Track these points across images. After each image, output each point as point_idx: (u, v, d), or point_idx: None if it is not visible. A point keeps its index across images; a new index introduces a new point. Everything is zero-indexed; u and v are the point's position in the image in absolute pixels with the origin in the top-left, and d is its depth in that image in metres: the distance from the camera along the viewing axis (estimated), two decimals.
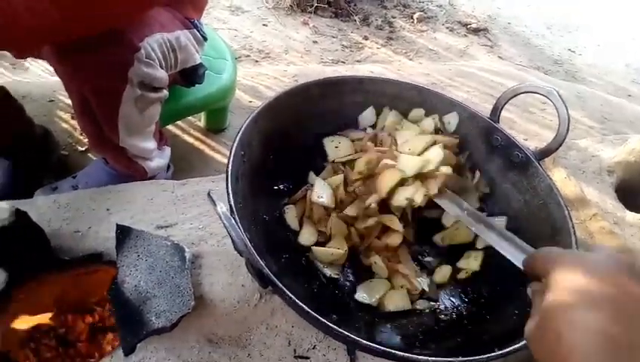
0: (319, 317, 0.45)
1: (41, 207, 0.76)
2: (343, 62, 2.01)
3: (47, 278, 0.65)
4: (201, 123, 1.33)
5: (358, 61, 2.03)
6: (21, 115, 0.99)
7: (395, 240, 0.67)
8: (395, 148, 0.70)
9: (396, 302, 0.63)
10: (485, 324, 0.60)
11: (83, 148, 1.17)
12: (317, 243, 0.66)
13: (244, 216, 0.54)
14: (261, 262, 0.47)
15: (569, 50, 2.52)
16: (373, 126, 0.78)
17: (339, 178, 0.70)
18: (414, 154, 0.68)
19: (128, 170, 0.91)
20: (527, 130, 1.51)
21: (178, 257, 0.66)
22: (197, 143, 1.29)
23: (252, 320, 0.66)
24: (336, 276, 0.64)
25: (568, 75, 2.29)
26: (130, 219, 0.76)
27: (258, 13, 2.21)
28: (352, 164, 0.71)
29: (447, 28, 2.45)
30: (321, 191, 0.68)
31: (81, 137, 1.19)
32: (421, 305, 0.64)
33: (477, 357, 0.46)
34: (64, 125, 1.21)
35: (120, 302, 0.61)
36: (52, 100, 1.26)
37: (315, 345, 0.66)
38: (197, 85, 1.02)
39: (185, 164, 1.19)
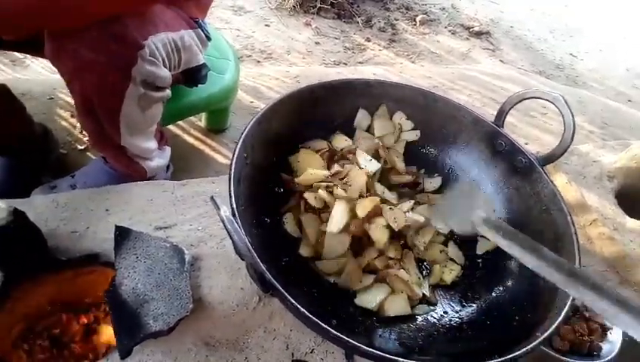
0: (320, 323, 0.45)
1: (39, 207, 0.76)
2: (345, 63, 2.00)
3: (43, 278, 0.64)
4: (202, 123, 1.33)
5: (360, 63, 2.03)
6: (22, 114, 0.99)
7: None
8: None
9: (396, 307, 0.62)
10: (485, 330, 0.59)
11: (82, 147, 1.16)
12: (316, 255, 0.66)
13: (245, 219, 0.54)
14: (263, 267, 0.46)
15: (571, 54, 2.52)
16: (368, 129, 0.78)
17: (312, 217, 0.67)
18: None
19: (128, 169, 0.91)
20: (528, 134, 1.50)
21: (177, 259, 0.65)
22: (197, 143, 1.28)
23: (250, 324, 0.66)
24: (336, 281, 0.64)
25: (569, 80, 2.29)
26: (129, 219, 0.76)
27: (261, 13, 2.20)
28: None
29: (450, 31, 2.45)
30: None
31: (81, 136, 1.18)
32: (420, 309, 0.64)
33: None
34: (64, 123, 1.21)
35: (117, 305, 0.60)
36: (52, 98, 1.25)
37: (313, 349, 0.65)
38: (199, 85, 1.02)
39: (185, 164, 1.18)
